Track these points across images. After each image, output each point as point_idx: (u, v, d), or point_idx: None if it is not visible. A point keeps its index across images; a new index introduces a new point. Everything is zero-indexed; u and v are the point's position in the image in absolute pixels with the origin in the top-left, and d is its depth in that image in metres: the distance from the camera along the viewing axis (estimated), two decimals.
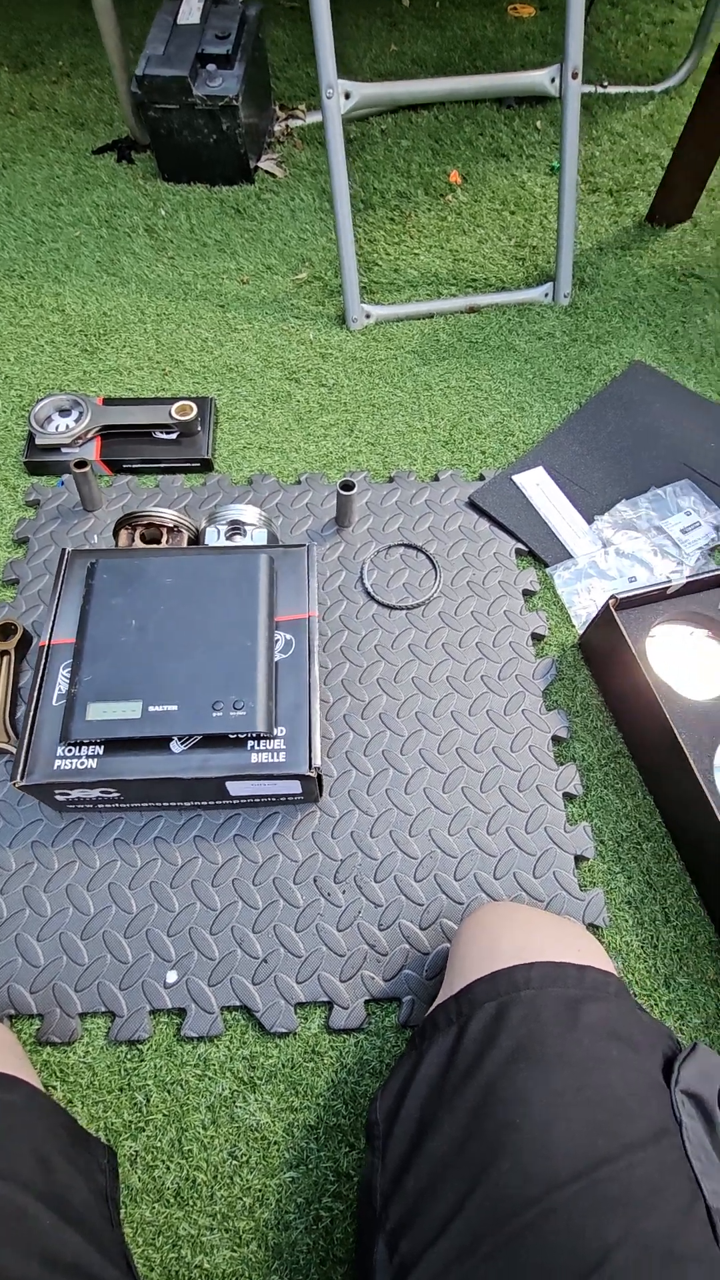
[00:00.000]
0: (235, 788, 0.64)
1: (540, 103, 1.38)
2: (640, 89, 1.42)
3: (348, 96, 0.93)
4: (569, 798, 0.71)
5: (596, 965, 0.47)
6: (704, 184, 1.16)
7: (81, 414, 0.90)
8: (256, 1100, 0.58)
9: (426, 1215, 0.40)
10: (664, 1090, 0.41)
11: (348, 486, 0.80)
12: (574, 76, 0.94)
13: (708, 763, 0.65)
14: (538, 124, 1.35)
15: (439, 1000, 0.51)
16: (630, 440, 0.95)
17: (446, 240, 1.17)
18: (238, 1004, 0.60)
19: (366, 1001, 0.61)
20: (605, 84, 1.42)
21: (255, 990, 0.61)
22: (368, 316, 1.06)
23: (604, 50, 1.49)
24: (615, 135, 1.35)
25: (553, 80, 0.95)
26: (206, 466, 0.92)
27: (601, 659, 0.75)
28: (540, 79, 0.96)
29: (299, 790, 0.66)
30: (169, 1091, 0.58)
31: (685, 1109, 0.41)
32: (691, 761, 0.62)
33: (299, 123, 1.32)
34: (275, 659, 0.66)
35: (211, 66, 1.09)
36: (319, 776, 0.62)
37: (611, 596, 0.70)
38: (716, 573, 0.72)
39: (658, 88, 1.42)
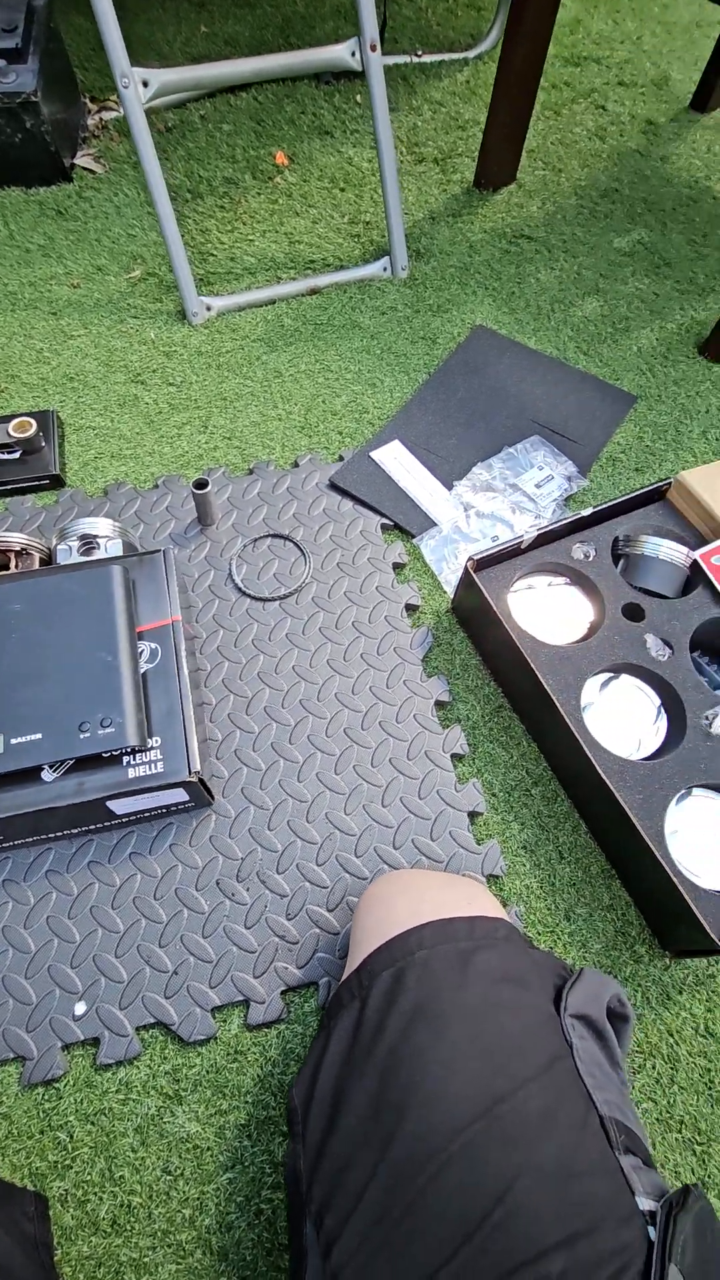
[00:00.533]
0: (119, 806, 0.62)
1: (358, 77, 1.38)
2: (454, 56, 1.44)
3: (146, 85, 0.90)
4: (457, 758, 0.73)
5: (487, 914, 0.49)
6: (520, 145, 1.20)
7: None
8: (184, 1111, 0.57)
9: (345, 1188, 0.40)
10: (555, 1019, 0.44)
11: (201, 485, 0.79)
12: (372, 49, 0.94)
13: (575, 703, 0.68)
14: (358, 98, 1.35)
15: (343, 979, 0.52)
16: (479, 403, 0.98)
17: (280, 223, 1.16)
18: (152, 1021, 0.59)
19: (283, 992, 0.62)
20: (420, 53, 1.44)
21: (169, 1004, 0.60)
22: (208, 309, 1.04)
23: (415, 19, 1.50)
24: (435, 104, 1.36)
25: (353, 54, 0.95)
26: (57, 483, 0.88)
27: (472, 619, 0.78)
28: (340, 53, 0.96)
29: (187, 798, 0.65)
30: (93, 1123, 0.57)
31: (575, 1031, 0.43)
32: (558, 705, 0.65)
33: (113, 114, 1.27)
34: (142, 670, 0.64)
35: (1, 62, 1.03)
36: (201, 780, 0.62)
37: (470, 559, 0.72)
38: (564, 521, 0.75)
39: (471, 53, 1.45)
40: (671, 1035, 0.62)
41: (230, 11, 1.48)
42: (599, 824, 0.68)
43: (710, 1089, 0.60)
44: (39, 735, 0.59)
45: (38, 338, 1.01)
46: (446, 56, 1.44)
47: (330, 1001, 0.50)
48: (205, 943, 0.62)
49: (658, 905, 0.63)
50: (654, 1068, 0.61)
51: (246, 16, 1.47)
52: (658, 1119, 0.59)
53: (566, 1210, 0.36)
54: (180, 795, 0.64)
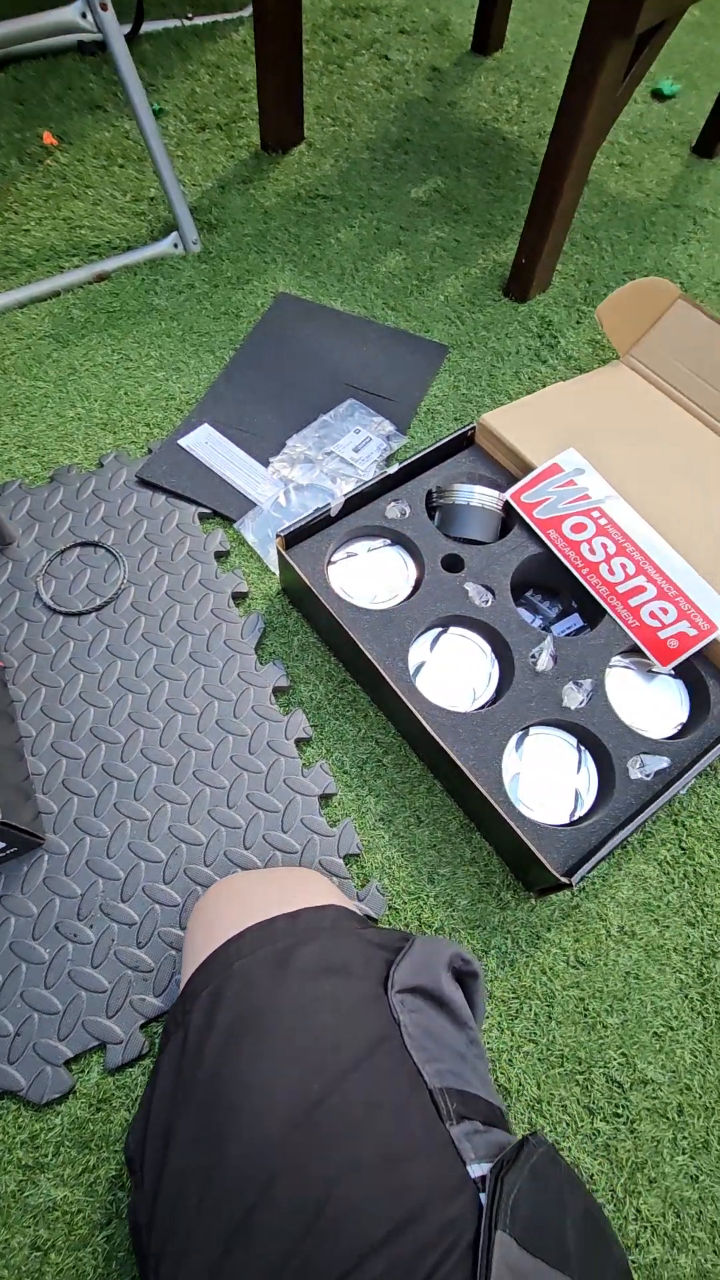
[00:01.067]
0: None
1: (132, 44, 1.29)
2: (228, 16, 1.38)
3: None
4: (302, 743, 0.70)
5: (314, 903, 0.47)
6: (299, 102, 1.15)
7: None
8: (49, 1178, 0.53)
9: (178, 1232, 0.38)
10: (381, 999, 0.42)
11: None
12: (103, 8, 0.87)
13: (402, 665, 0.66)
14: None
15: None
16: (289, 374, 0.94)
17: (57, 208, 1.08)
18: None
19: (143, 1025, 0.58)
20: (190, 16, 1.36)
21: (13, 1070, 0.55)
22: None
23: None
24: (212, 67, 1.30)
25: (84, 15, 0.88)
26: None
27: (300, 598, 0.75)
28: (70, 16, 0.88)
29: (9, 846, 0.59)
30: None
31: (405, 1006, 0.42)
32: (381, 668, 0.64)
33: None
34: None
35: None
36: (14, 825, 0.57)
37: (277, 535, 0.69)
38: (371, 482, 0.73)
39: (244, 12, 1.38)
40: (545, 973, 0.62)
41: None
42: (450, 781, 0.67)
43: (585, 1016, 0.61)
44: None
45: None
46: (219, 17, 1.37)
47: (161, 1036, 0.47)
48: (48, 994, 0.58)
49: (512, 851, 0.63)
50: (531, 1010, 0.61)
51: None
52: (540, 1059, 0.59)
53: (391, 1201, 0.34)
54: None
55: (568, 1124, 0.57)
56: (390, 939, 0.47)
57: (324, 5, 1.42)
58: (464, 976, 0.48)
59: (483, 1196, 0.35)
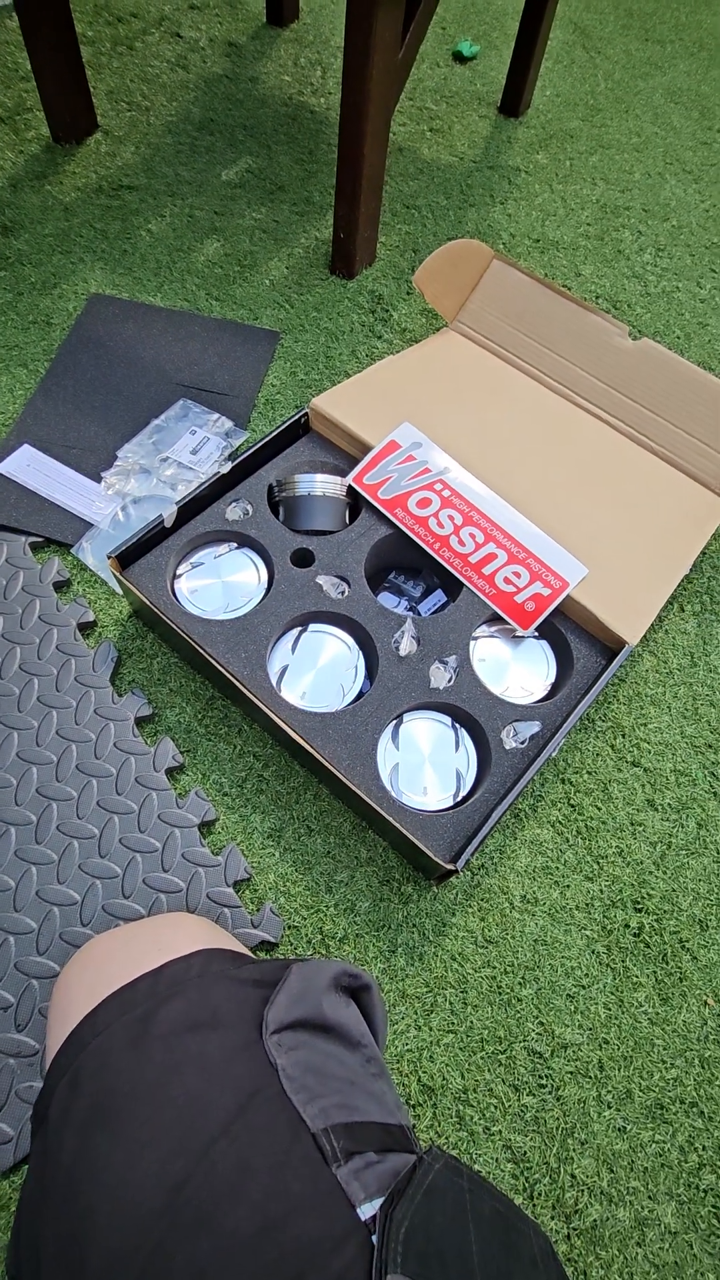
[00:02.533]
0: None
1: None
2: None
3: None
4: (174, 772, 0.66)
5: (179, 953, 0.43)
6: (84, 86, 1.07)
7: None
8: None
9: None
10: (255, 1045, 0.39)
11: None
12: None
13: (262, 674, 0.63)
14: None
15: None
16: (113, 379, 0.88)
17: None
18: None
19: (33, 1116, 0.52)
20: None
21: None
22: None
23: None
24: None
25: None
26: None
27: (149, 618, 0.70)
28: None
29: None
30: None
31: (283, 1047, 0.39)
32: (238, 681, 0.60)
33: None
34: None
35: None
36: None
37: (109, 557, 0.64)
38: (204, 485, 0.69)
39: None
40: (455, 960, 0.61)
41: None
42: (333, 783, 0.65)
43: (500, 994, 0.60)
44: None
45: None
46: None
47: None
48: None
49: (405, 844, 0.61)
50: (446, 1000, 0.60)
51: None
52: (461, 1048, 0.58)
53: (269, 1274, 0.31)
54: None
55: (495, 1106, 0.57)
56: (269, 972, 0.44)
57: None
58: (355, 992, 0.46)
59: (375, 1237, 0.33)
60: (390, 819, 0.55)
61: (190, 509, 0.69)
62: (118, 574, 0.64)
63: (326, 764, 0.57)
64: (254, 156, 1.15)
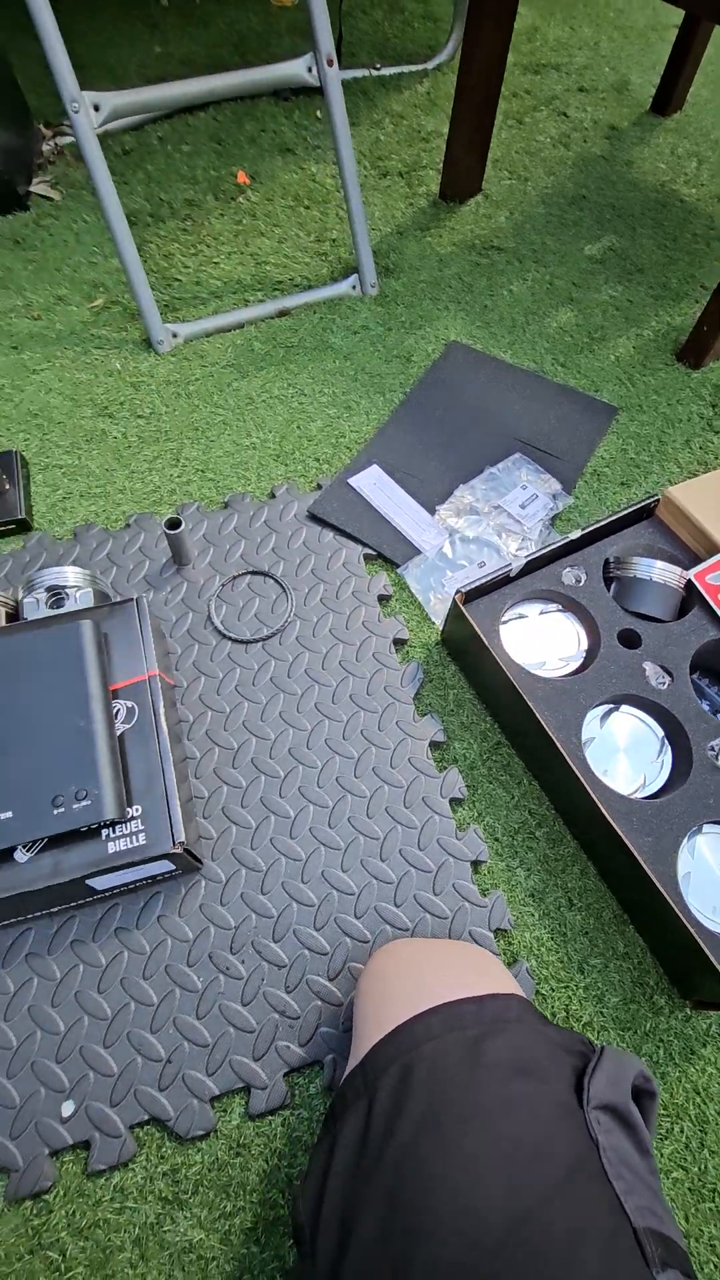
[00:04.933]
0: (100, 882, 0.58)
1: (317, 92, 1.35)
2: (413, 67, 1.42)
3: (97, 109, 0.87)
4: (455, 803, 0.69)
5: (496, 990, 0.45)
6: (485, 155, 1.17)
7: None
8: (186, 1217, 0.53)
9: None
10: (576, 1113, 0.40)
11: (174, 525, 0.75)
12: (329, 63, 0.91)
13: (576, 740, 0.65)
14: (318, 114, 1.32)
15: (348, 1067, 0.48)
16: (458, 422, 0.95)
17: (245, 244, 1.13)
18: (146, 1118, 0.55)
19: (286, 1074, 0.57)
20: (379, 66, 1.41)
21: (163, 1097, 0.56)
22: (175, 336, 1.01)
23: (372, 33, 1.48)
24: (396, 116, 1.34)
25: (310, 70, 0.92)
26: (23, 527, 0.84)
27: (463, 652, 0.74)
28: (297, 69, 0.93)
29: (174, 866, 0.60)
30: (87, 1237, 0.52)
31: (601, 1126, 0.39)
32: (558, 742, 0.62)
33: (68, 139, 1.23)
34: (118, 732, 0.60)
35: None
36: (188, 850, 0.58)
37: (458, 591, 0.69)
38: (552, 546, 0.72)
39: (429, 64, 1.43)
40: (699, 1094, 0.58)
41: (185, 31, 1.45)
42: (607, 867, 0.65)
43: None
44: (9, 814, 0.54)
45: None
46: (405, 68, 1.42)
47: (335, 1098, 0.46)
48: (200, 1025, 0.58)
49: (674, 954, 0.59)
50: (682, 1132, 0.57)
51: (201, 35, 1.45)
52: (690, 1188, 0.55)
53: None
54: (165, 866, 0.60)
55: (716, 1265, 0.53)
56: (571, 1041, 0.44)
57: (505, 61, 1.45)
58: (642, 1096, 0.45)
59: None
60: (689, 928, 0.54)
61: (531, 563, 0.72)
62: (462, 606, 0.68)
63: (633, 850, 0.57)
64: (618, 236, 1.19)
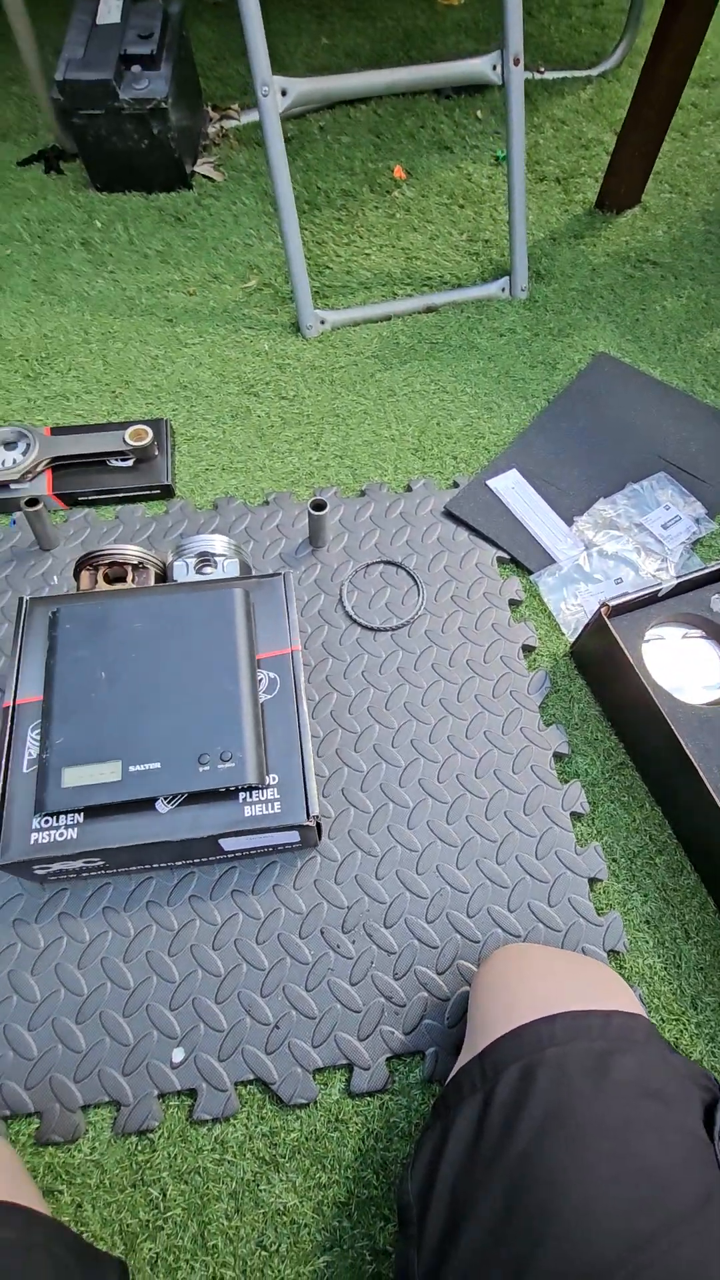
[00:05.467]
0: (229, 843, 0.59)
1: (478, 92, 1.35)
2: (578, 73, 1.40)
3: (284, 94, 0.89)
4: (576, 817, 0.68)
5: (622, 1008, 0.44)
6: (650, 167, 1.15)
7: (29, 446, 0.84)
8: (281, 1180, 0.54)
9: None
10: (706, 1146, 0.39)
11: (319, 506, 0.76)
12: (515, 63, 0.91)
13: (717, 771, 0.63)
14: (478, 113, 1.32)
15: (461, 1061, 0.48)
16: (602, 435, 0.93)
17: (397, 238, 1.14)
18: (251, 1078, 0.56)
19: (388, 1059, 0.58)
20: (542, 70, 1.40)
21: (269, 1060, 0.57)
22: (323, 323, 1.02)
23: (537, 36, 1.47)
24: (558, 122, 1.32)
25: (494, 68, 0.92)
26: (167, 493, 0.87)
27: (596, 668, 0.73)
28: (481, 67, 0.93)
29: (297, 839, 0.62)
30: (186, 1182, 0.54)
31: None
32: (700, 771, 0.60)
33: (234, 123, 1.27)
34: (260, 701, 0.61)
35: (136, 68, 1.03)
36: (319, 824, 0.59)
37: (603, 604, 0.67)
38: (705, 570, 0.70)
39: (595, 71, 1.40)
40: None
41: (351, 24, 1.47)
42: None
43: None
44: (158, 764, 0.56)
45: (153, 344, 1.00)
46: (569, 74, 1.40)
47: (448, 1087, 0.46)
48: (308, 996, 0.59)
49: None
50: None
51: (367, 29, 1.46)
52: None
53: None
54: (291, 836, 0.61)
55: None
56: (697, 1074, 0.43)
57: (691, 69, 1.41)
58: None
59: None
60: None
61: (680, 586, 0.70)
62: (607, 619, 0.67)
63: None
64: None
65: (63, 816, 0.56)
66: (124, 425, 0.87)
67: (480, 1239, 0.38)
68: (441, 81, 0.94)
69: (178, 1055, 0.57)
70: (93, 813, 0.56)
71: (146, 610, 0.63)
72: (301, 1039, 0.57)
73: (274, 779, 0.58)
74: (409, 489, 0.88)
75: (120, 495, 0.86)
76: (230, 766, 0.56)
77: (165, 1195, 0.53)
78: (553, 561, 0.82)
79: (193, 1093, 0.56)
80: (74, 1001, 0.58)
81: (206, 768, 0.56)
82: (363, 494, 0.87)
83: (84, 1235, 0.52)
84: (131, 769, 0.56)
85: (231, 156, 1.23)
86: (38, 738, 0.59)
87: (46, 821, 0.56)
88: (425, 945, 0.61)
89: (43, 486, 0.84)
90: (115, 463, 0.86)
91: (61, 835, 0.55)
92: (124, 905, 0.62)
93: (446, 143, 1.27)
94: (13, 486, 0.83)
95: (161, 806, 0.57)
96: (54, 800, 0.55)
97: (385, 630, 0.77)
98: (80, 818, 0.56)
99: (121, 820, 0.56)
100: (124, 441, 0.84)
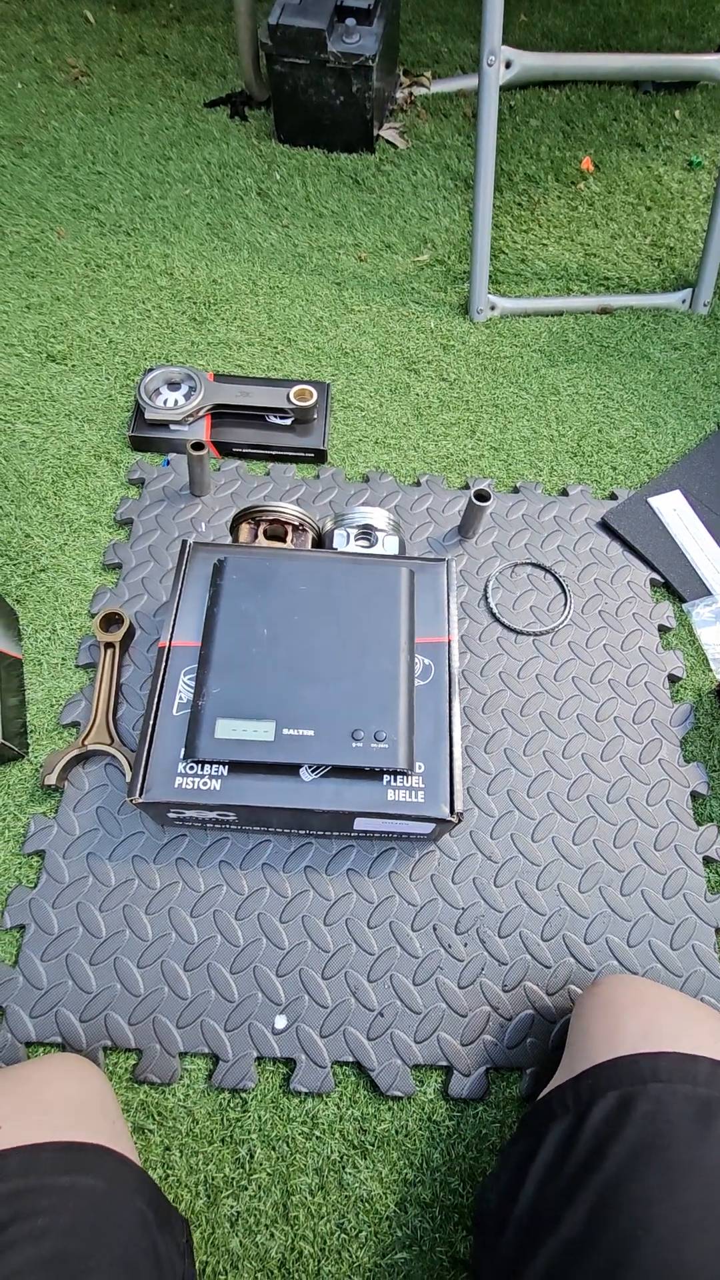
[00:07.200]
0: (363, 823, 0.58)
1: (679, 90, 1.29)
2: None
3: (508, 65, 0.85)
4: (708, 862, 0.65)
5: None
6: None
7: (193, 390, 0.84)
8: (368, 1168, 0.53)
9: None
10: None
11: (483, 497, 0.74)
12: None
13: None
14: (675, 113, 1.26)
15: (556, 1081, 0.46)
16: None
17: (577, 232, 1.09)
18: (350, 1060, 0.56)
19: (487, 1070, 0.56)
20: None
21: (370, 1046, 0.56)
22: (492, 308, 0.99)
23: None
24: None
25: None
26: (320, 458, 0.86)
27: None
28: (713, 64, 0.87)
29: (428, 831, 0.60)
30: (274, 1149, 0.53)
31: None
32: None
33: (423, 91, 1.24)
34: (415, 686, 0.60)
35: (351, 21, 1.01)
36: (460, 819, 0.57)
37: None
38: None
39: None
40: None
41: (552, 4, 1.41)
42: None
43: None
44: (312, 732, 0.55)
45: (319, 305, 0.99)
46: None
47: (539, 1104, 0.45)
48: (415, 991, 0.58)
49: None
50: None
51: (567, 11, 1.41)
52: None
53: None
54: (424, 828, 0.59)
55: None
56: None
57: None
58: None
59: None
60: None
61: None
62: None
63: None
64: None
65: (209, 766, 0.55)
66: (288, 383, 0.86)
67: (559, 1256, 0.37)
68: (670, 74, 0.90)
69: (280, 1022, 0.56)
70: (238, 768, 0.55)
71: (313, 574, 0.62)
72: (404, 1031, 0.57)
73: (420, 768, 0.57)
74: (565, 493, 0.85)
75: (274, 453, 0.85)
76: (383, 748, 0.55)
77: (253, 1157, 0.53)
78: (709, 594, 0.78)
79: (290, 1062, 0.56)
80: (184, 948, 0.58)
81: (359, 744, 0.55)
82: (516, 490, 0.85)
83: (169, 1179, 0.52)
84: (285, 732, 0.55)
85: (417, 125, 1.20)
86: (191, 683, 0.58)
87: (192, 769, 0.55)
88: (538, 963, 0.60)
89: (200, 431, 0.84)
90: (274, 419, 0.85)
91: (205, 785, 0.55)
92: (240, 863, 0.62)
93: (639, 140, 1.21)
94: (173, 427, 0.83)
95: (305, 774, 0.56)
96: (205, 749, 0.54)
97: (528, 634, 0.74)
98: (225, 770, 0.55)
99: (266, 781, 0.55)
100: (288, 399, 0.83)
